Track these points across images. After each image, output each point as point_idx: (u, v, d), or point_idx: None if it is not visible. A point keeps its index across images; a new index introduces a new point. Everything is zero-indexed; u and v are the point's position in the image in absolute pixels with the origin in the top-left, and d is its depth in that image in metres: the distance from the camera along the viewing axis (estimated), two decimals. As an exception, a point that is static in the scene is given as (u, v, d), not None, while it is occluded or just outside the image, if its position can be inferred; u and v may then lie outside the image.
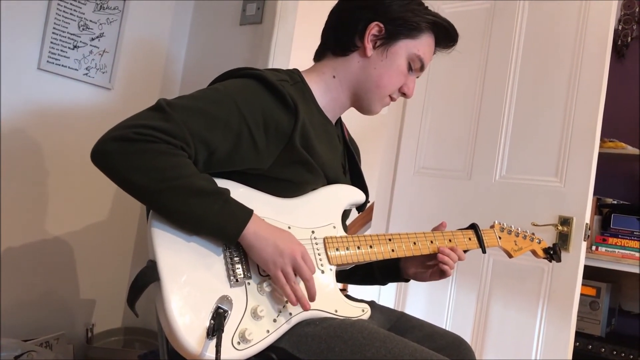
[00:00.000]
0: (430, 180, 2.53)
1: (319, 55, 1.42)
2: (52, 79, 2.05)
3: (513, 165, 2.30)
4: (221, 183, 1.18)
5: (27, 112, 1.98)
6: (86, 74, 2.12)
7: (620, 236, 2.56)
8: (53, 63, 2.04)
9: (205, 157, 1.16)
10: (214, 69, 2.41)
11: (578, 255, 2.08)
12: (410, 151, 2.63)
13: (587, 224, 2.08)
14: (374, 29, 1.32)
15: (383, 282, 1.56)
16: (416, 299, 2.51)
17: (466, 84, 2.47)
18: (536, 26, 2.30)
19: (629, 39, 2.99)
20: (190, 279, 1.11)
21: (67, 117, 2.09)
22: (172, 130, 1.10)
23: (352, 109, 1.45)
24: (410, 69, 1.37)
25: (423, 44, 1.36)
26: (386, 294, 2.56)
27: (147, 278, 1.08)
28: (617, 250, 2.54)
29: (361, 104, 1.39)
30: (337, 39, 1.37)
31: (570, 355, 2.09)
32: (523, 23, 2.33)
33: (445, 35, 1.39)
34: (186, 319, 1.07)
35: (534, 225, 2.15)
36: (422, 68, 1.39)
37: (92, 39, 2.14)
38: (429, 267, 1.45)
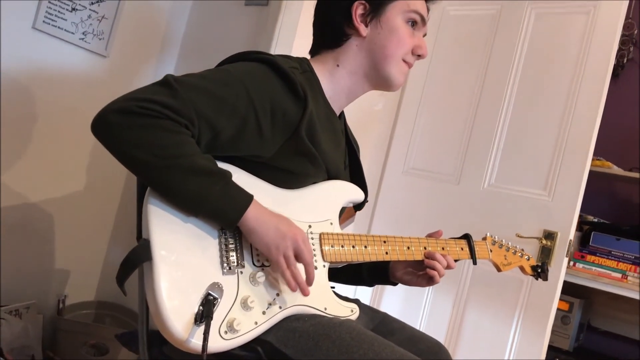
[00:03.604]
0: (419, 181, 2.53)
1: (315, 51, 1.40)
2: (47, 40, 1.98)
3: (503, 175, 2.30)
4: (222, 166, 1.15)
5: (17, 72, 1.92)
6: (82, 38, 2.06)
7: (598, 254, 2.59)
8: (49, 24, 1.97)
9: (208, 139, 1.13)
10: (213, 47, 2.37)
11: (559, 271, 2.09)
12: (401, 150, 2.61)
13: (570, 240, 2.09)
14: (358, 8, 1.31)
15: (370, 284, 1.55)
16: (392, 299, 2.51)
17: (464, 88, 2.46)
18: (540, 38, 2.29)
19: (625, 60, 3.02)
20: (183, 261, 1.08)
21: (58, 81, 2.03)
22: (178, 108, 1.06)
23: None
24: (413, 26, 1.34)
25: None
26: (362, 291, 2.55)
27: (139, 257, 1.05)
28: (594, 268, 2.57)
29: (380, 80, 1.36)
30: (327, 34, 1.35)
31: (541, 368, 2.11)
32: (527, 33, 2.33)
33: None
34: (175, 302, 1.04)
35: (518, 236, 2.15)
36: (423, 21, 1.36)
37: (92, 3, 2.07)
38: (418, 271, 1.44)
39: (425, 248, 1.40)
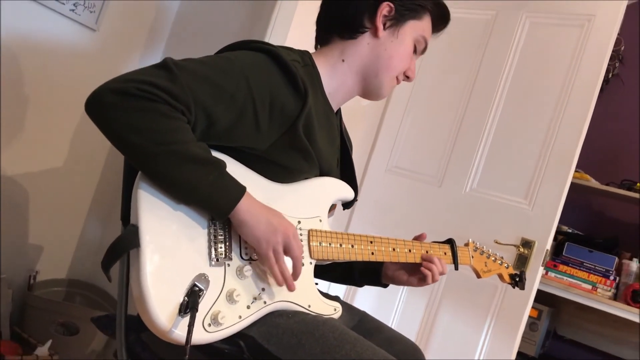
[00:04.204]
0: (401, 181, 2.53)
1: (324, 40, 1.38)
2: (35, 9, 1.92)
3: (485, 180, 2.31)
4: (216, 155, 1.13)
5: (3, 39, 1.85)
6: (73, 10, 2.00)
7: (570, 265, 2.63)
8: (38, -8, 1.91)
9: (203, 127, 1.11)
10: (205, 30, 2.33)
11: (534, 279, 2.12)
12: (386, 147, 2.61)
13: (547, 250, 2.12)
14: (384, 9, 1.31)
15: (360, 284, 1.54)
16: (366, 294, 2.51)
17: (453, 91, 2.46)
18: (533, 47, 2.31)
19: (610, 74, 3.06)
20: (171, 250, 1.06)
21: (44, 52, 1.97)
22: (176, 93, 1.04)
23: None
24: (414, 50, 1.37)
25: (426, 25, 1.37)
26: (335, 286, 2.55)
27: (127, 243, 1.03)
28: (565, 278, 2.61)
29: (371, 87, 1.37)
30: (345, 22, 1.33)
31: (508, 373, 2.13)
32: (521, 41, 2.34)
33: (441, 17, 1.40)
34: (160, 291, 1.02)
35: (496, 242, 2.17)
36: (424, 50, 1.40)
37: (84, -25, 2.01)
38: (410, 270, 1.45)
39: (410, 250, 1.41)
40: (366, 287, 1.54)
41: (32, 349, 1.80)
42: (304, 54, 1.30)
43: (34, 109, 1.95)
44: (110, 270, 1.06)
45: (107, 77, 1.04)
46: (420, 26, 1.35)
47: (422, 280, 1.41)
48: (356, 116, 2.62)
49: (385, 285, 1.51)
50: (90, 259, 2.24)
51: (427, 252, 1.43)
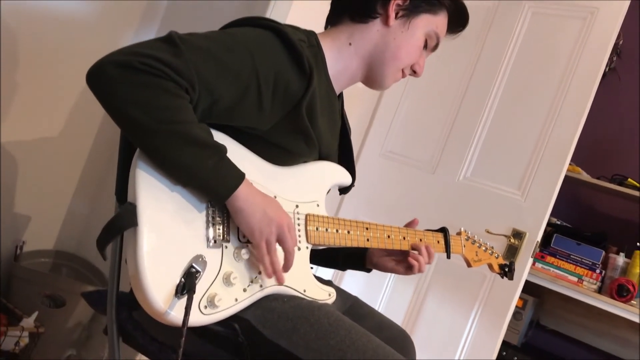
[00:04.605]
0: (394, 166, 2.52)
1: (334, 20, 1.35)
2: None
3: (479, 169, 2.31)
4: (216, 136, 1.11)
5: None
6: (69, -23, 1.94)
7: (558, 256, 2.65)
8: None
9: (205, 106, 1.08)
10: (203, 6, 2.28)
11: (522, 270, 2.13)
12: (381, 131, 2.60)
13: (538, 241, 2.13)
14: None
15: (343, 268, 1.54)
16: (354, 278, 2.51)
17: (452, 78, 2.45)
18: (534, 37, 2.29)
19: (607, 68, 3.05)
20: (169, 230, 1.04)
21: (39, 19, 1.92)
22: (181, 69, 1.01)
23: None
24: (425, 46, 1.35)
25: (441, 21, 1.34)
26: (323, 270, 2.54)
27: (125, 222, 1.01)
28: (552, 269, 2.63)
29: (374, 76, 1.34)
30: (358, 4, 1.30)
31: (493, 362, 2.15)
32: (522, 31, 2.32)
33: (459, 17, 1.38)
34: (157, 272, 1.01)
35: (487, 232, 2.18)
36: (435, 47, 1.37)
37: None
38: (396, 258, 1.44)
39: (404, 238, 1.40)
40: (354, 271, 1.54)
41: (17, 320, 1.78)
42: (310, 34, 1.28)
43: (28, 78, 1.91)
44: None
45: (104, 47, 1.01)
46: (434, 21, 1.32)
47: (408, 269, 1.41)
48: (352, 98, 2.59)
49: (368, 270, 1.50)
50: (77, 231, 2.21)
51: (420, 240, 1.42)
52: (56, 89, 1.99)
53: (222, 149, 1.06)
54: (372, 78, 1.35)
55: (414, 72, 1.37)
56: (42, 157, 2.02)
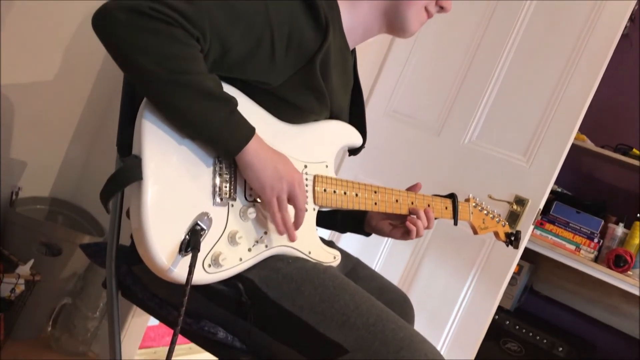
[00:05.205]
0: (399, 126, 2.48)
1: None
2: None
3: (485, 133, 2.27)
4: (225, 89, 1.06)
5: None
6: None
7: (556, 224, 2.64)
8: None
9: (216, 56, 1.03)
10: None
11: (523, 237, 2.11)
12: (386, 90, 2.54)
13: (540, 209, 2.11)
14: None
15: (343, 230, 1.51)
16: (352, 237, 2.49)
17: (462, 39, 2.38)
18: (548, 1, 2.22)
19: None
20: (174, 186, 1.01)
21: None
22: (193, 17, 0.96)
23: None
24: None
25: None
26: (320, 231, 2.53)
27: (129, 175, 0.97)
28: (550, 237, 2.63)
29: (396, 23, 1.28)
30: None
31: (486, 327, 2.16)
32: (538, -7, 2.25)
33: None
34: (161, 227, 0.98)
35: (489, 197, 2.15)
36: None
37: None
38: (395, 223, 1.40)
39: (412, 203, 1.37)
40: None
41: (13, 267, 1.75)
42: None
43: (26, 17, 1.83)
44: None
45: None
46: None
47: (405, 234, 1.36)
48: (357, 54, 2.52)
49: (367, 234, 1.47)
50: (74, 179, 2.17)
51: (428, 205, 1.39)
52: (53, 29, 1.92)
53: (233, 102, 1.02)
54: (395, 25, 1.28)
55: (441, 9, 1.30)
56: (39, 101, 1.96)
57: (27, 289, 1.74)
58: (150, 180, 0.97)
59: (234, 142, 1.01)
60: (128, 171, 0.97)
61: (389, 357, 1.01)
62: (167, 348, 2.29)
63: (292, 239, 1.11)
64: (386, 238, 2.42)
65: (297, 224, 1.11)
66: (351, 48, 1.30)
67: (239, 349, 1.12)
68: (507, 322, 2.78)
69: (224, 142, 1.01)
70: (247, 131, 1.03)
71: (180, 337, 0.98)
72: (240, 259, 1.07)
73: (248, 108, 1.11)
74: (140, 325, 2.09)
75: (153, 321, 2.21)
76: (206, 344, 1.16)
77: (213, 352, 1.16)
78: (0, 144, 1.88)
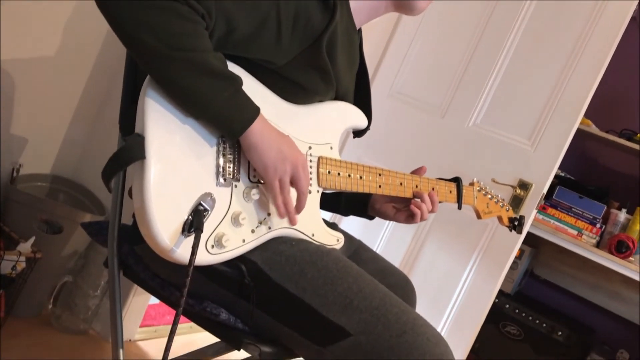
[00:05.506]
0: (403, 108, 2.46)
1: None
2: None
3: (490, 117, 2.25)
4: (230, 68, 1.05)
5: None
6: None
7: (559, 208, 2.63)
8: None
9: (221, 34, 1.01)
10: None
11: (526, 222, 2.10)
12: (390, 71, 2.52)
13: (543, 194, 2.10)
14: None
15: (346, 214, 1.49)
16: (354, 219, 2.48)
17: (469, 20, 2.35)
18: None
19: (627, 19, 2.94)
20: (177, 165, 0.99)
21: None
22: None
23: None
24: None
25: None
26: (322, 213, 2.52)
27: (132, 154, 0.95)
28: (552, 221, 2.62)
29: (402, 1, 1.27)
30: None
31: (487, 310, 2.16)
32: (546, -25, 2.21)
33: None
34: (164, 207, 0.97)
35: (493, 181, 2.14)
36: None
37: None
38: (399, 206, 1.39)
39: (417, 186, 1.36)
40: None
41: (14, 244, 1.75)
42: None
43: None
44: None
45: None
46: None
47: (409, 218, 1.34)
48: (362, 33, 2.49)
49: (371, 218, 1.46)
50: (75, 156, 2.15)
51: (432, 189, 1.38)
52: (55, 4, 1.89)
53: (238, 81, 1.00)
54: (401, 4, 1.28)
55: None
56: (40, 78, 1.93)
57: (28, 267, 1.73)
58: (153, 159, 0.96)
59: (239, 122, 1.00)
60: (130, 150, 0.95)
61: (391, 341, 1.01)
62: (167, 327, 2.30)
63: (292, 222, 1.09)
64: (386, 223, 2.43)
65: (299, 207, 1.10)
66: (357, 27, 1.28)
67: (241, 330, 1.11)
68: (507, 306, 2.78)
69: (228, 122, 0.99)
70: (252, 111, 1.01)
71: (181, 317, 0.97)
72: (244, 241, 1.06)
73: (252, 87, 1.09)
74: (141, 304, 2.09)
75: (154, 300, 2.21)
76: (208, 325, 1.15)
77: (215, 333, 1.15)
78: (0, 120, 1.87)
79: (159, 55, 0.93)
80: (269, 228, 1.10)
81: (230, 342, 1.12)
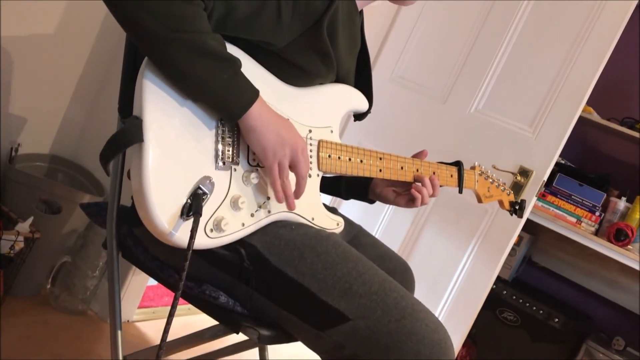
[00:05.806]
0: (404, 93, 2.44)
1: None
2: None
3: (492, 103, 2.24)
4: (229, 50, 1.03)
5: None
6: None
7: (559, 196, 2.63)
8: None
9: (220, 15, 1.00)
10: None
11: (526, 208, 2.10)
12: (393, 55, 2.50)
13: (544, 181, 2.09)
14: None
15: (346, 197, 1.49)
16: (353, 203, 2.48)
17: (472, 6, 2.33)
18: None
19: (631, 6, 2.91)
20: (176, 148, 0.98)
21: None
22: None
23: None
24: None
25: None
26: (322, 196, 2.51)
27: (130, 137, 0.94)
28: (552, 209, 2.62)
29: None
30: None
31: (485, 296, 2.17)
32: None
33: None
34: (162, 190, 0.96)
35: (493, 167, 2.12)
36: None
37: None
38: (400, 190, 1.38)
39: (417, 170, 1.35)
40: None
41: (13, 224, 1.74)
42: None
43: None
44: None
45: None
46: None
47: (410, 202, 1.34)
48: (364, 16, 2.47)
49: (371, 202, 1.45)
50: (74, 136, 2.14)
51: (433, 172, 1.37)
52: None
53: (237, 63, 0.99)
54: None
55: None
56: (39, 56, 1.92)
57: (26, 246, 1.73)
58: (152, 142, 0.95)
59: (237, 105, 0.99)
60: (128, 133, 0.94)
61: (390, 326, 1.01)
62: (166, 308, 2.31)
63: (290, 207, 1.09)
64: (387, 205, 2.43)
65: (298, 192, 1.09)
66: (359, 9, 1.26)
67: (240, 313, 1.11)
68: (505, 292, 2.78)
69: (227, 105, 0.99)
70: (251, 94, 1.00)
71: (179, 299, 0.97)
72: (243, 224, 1.05)
73: (252, 70, 1.08)
74: (140, 285, 2.10)
75: (152, 281, 2.21)
76: (207, 308, 1.15)
77: (214, 316, 1.15)
78: (-1, 99, 1.85)
79: (157, 37, 0.92)
80: (269, 212, 1.09)
81: (228, 325, 1.12)
